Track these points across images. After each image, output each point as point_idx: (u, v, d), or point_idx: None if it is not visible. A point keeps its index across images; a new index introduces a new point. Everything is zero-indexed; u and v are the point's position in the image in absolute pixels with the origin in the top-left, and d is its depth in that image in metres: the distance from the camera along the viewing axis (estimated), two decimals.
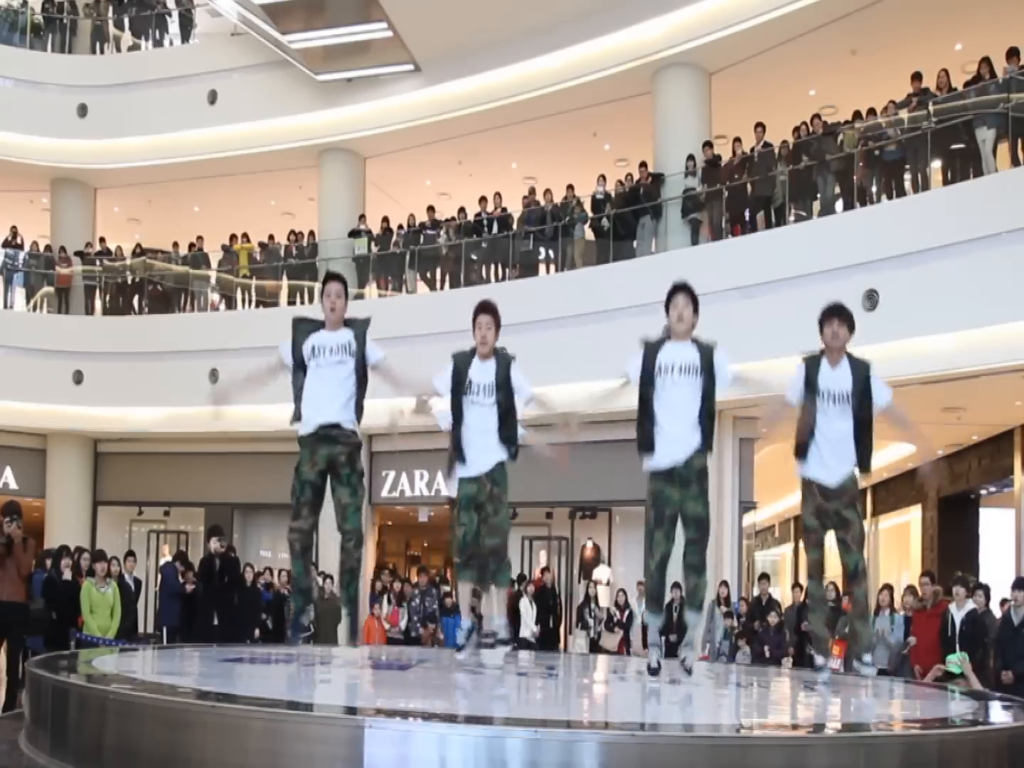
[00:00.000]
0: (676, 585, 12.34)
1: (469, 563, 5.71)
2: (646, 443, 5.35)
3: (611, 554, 16.17)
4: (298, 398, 5.68)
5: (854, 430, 5.49)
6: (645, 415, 5.36)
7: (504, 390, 5.55)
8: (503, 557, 5.75)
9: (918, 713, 5.28)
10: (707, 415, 5.28)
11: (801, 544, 6.02)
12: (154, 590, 15.04)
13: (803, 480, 5.68)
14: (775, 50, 14.01)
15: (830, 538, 5.73)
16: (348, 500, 5.64)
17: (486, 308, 5.62)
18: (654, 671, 5.43)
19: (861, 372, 5.49)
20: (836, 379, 5.48)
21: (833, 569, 6.03)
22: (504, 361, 5.60)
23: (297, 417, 5.69)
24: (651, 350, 5.34)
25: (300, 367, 5.66)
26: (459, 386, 5.56)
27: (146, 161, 18.36)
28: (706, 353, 5.29)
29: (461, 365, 5.59)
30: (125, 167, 18.55)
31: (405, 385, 5.70)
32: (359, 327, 5.69)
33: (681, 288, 5.33)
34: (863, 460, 5.56)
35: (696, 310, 5.33)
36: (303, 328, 5.70)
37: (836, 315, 5.55)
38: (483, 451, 5.58)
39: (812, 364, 5.55)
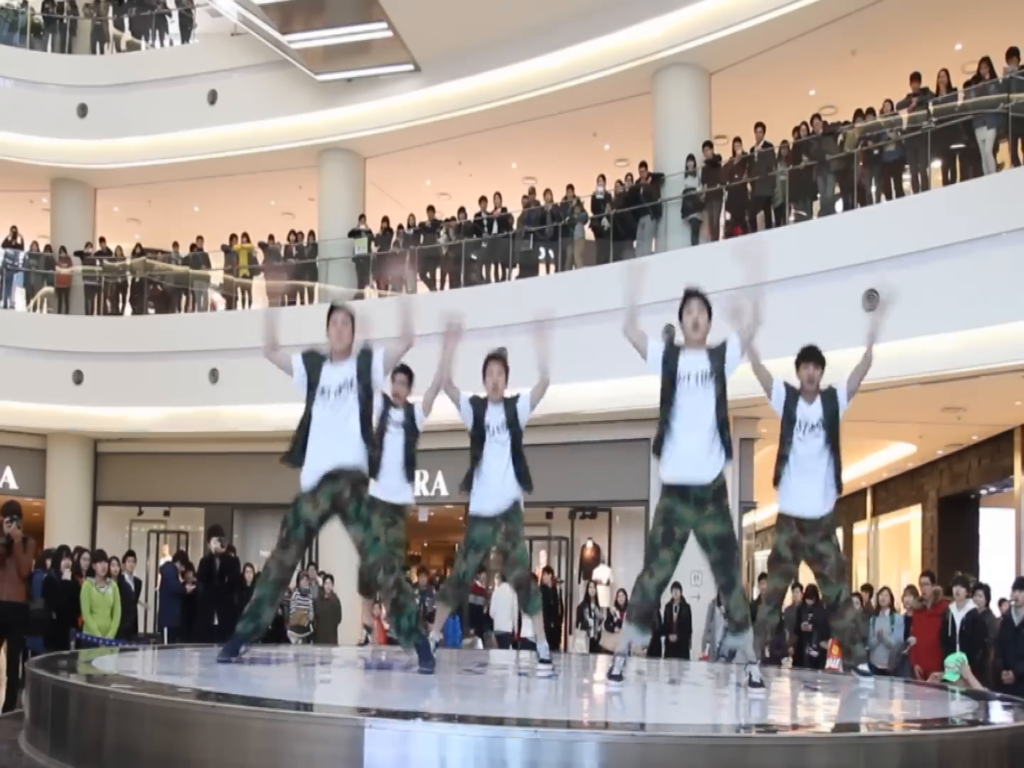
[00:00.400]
0: (676, 585, 12.39)
1: (456, 594, 6.11)
2: (659, 448, 5.21)
3: (611, 554, 16.17)
4: (298, 440, 5.36)
5: (829, 452, 5.76)
6: (662, 419, 5.19)
7: (514, 426, 5.84)
8: (530, 586, 6.01)
9: (918, 713, 5.28)
10: (722, 424, 5.14)
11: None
12: (154, 590, 15.04)
13: (780, 513, 5.88)
14: (775, 50, 14.00)
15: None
16: (362, 535, 5.31)
17: (496, 357, 5.92)
18: (615, 677, 5.28)
19: (829, 395, 5.83)
20: (811, 412, 5.79)
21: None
22: (511, 402, 5.88)
23: (298, 462, 5.35)
24: (671, 352, 5.20)
25: (310, 402, 5.35)
26: (478, 425, 5.83)
27: (146, 161, 18.34)
28: (718, 355, 5.17)
29: (479, 408, 5.87)
30: (125, 167, 18.54)
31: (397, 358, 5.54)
32: (364, 359, 5.40)
33: (694, 294, 5.21)
34: (835, 479, 5.81)
35: (711, 316, 5.21)
36: (313, 362, 5.39)
37: (812, 359, 5.83)
38: (498, 492, 5.82)
39: (791, 395, 5.83)
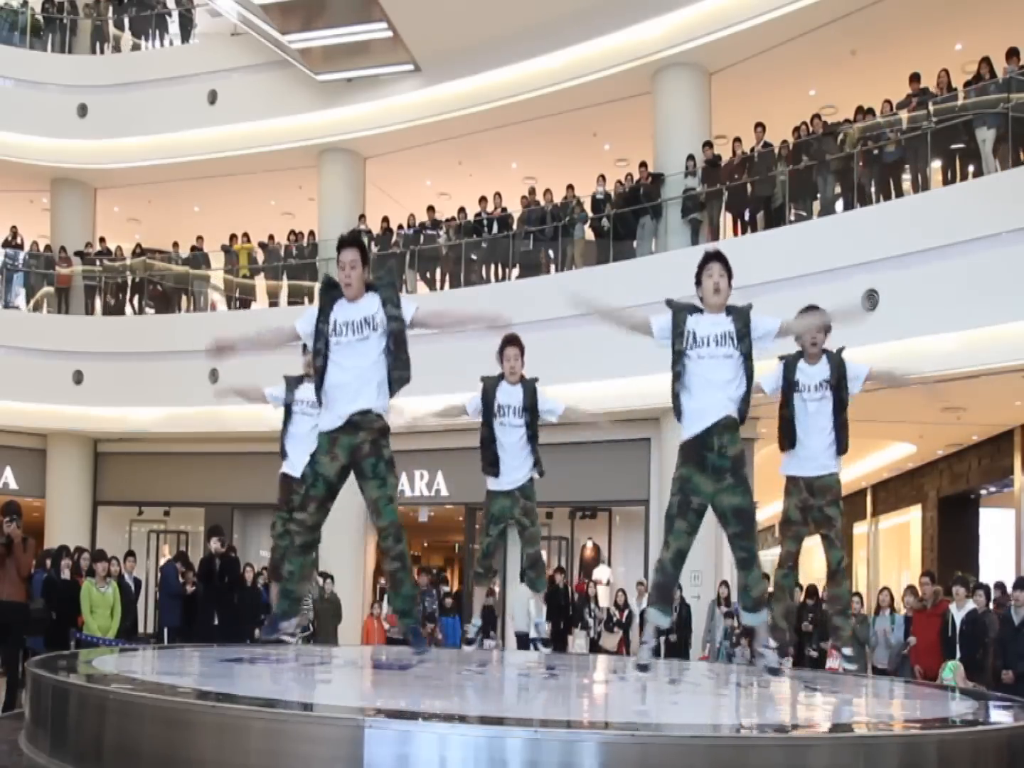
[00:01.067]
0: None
1: (488, 572, 6.38)
2: (678, 411, 4.98)
3: (611, 554, 16.17)
4: (319, 388, 5.05)
5: (834, 414, 5.71)
6: (677, 385, 4.93)
7: (531, 413, 6.04)
8: (542, 564, 6.37)
9: (918, 713, 5.28)
10: (746, 380, 4.91)
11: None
12: (154, 590, 15.04)
13: (788, 477, 5.88)
14: (775, 50, 14.00)
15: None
16: (377, 494, 4.96)
17: (513, 340, 6.10)
18: (643, 667, 5.23)
19: (836, 359, 5.78)
20: (814, 373, 5.75)
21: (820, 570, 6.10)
22: (530, 387, 6.09)
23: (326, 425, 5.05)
24: (679, 315, 4.93)
25: (323, 343, 4.99)
26: (489, 408, 6.04)
27: (146, 161, 18.34)
28: (742, 318, 4.89)
29: (490, 388, 6.09)
30: (125, 167, 18.54)
31: (459, 320, 5.29)
32: (385, 290, 5.05)
33: (715, 256, 4.96)
34: (841, 441, 5.74)
35: (731, 281, 4.93)
36: (331, 296, 5.06)
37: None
38: (516, 468, 6.11)
39: (790, 363, 5.82)
